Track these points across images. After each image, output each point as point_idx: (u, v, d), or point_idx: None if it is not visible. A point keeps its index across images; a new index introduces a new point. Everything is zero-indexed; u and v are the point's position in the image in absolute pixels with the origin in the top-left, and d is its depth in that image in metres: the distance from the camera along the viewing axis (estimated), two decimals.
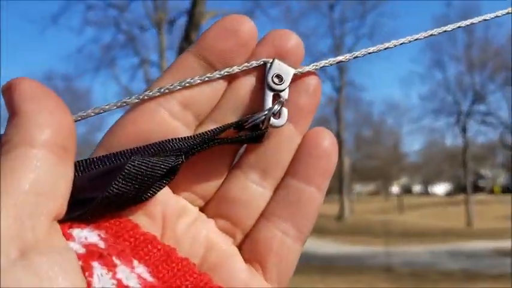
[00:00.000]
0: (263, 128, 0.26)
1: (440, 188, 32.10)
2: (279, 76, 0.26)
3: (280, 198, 0.27)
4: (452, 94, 16.06)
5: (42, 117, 0.20)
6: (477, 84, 15.44)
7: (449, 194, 29.52)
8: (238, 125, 0.26)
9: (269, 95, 0.26)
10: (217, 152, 0.27)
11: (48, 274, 0.17)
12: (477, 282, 5.58)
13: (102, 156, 0.24)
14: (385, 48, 0.29)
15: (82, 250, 0.20)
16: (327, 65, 0.28)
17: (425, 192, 32.45)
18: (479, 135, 17.56)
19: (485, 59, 15.20)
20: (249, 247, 0.27)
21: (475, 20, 0.33)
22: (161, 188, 0.24)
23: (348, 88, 17.05)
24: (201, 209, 0.27)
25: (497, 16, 0.35)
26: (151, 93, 0.25)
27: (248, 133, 0.26)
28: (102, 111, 0.25)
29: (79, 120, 0.24)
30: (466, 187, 14.94)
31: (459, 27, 0.33)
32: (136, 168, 0.23)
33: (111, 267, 0.20)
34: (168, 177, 0.24)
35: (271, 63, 0.26)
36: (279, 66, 0.26)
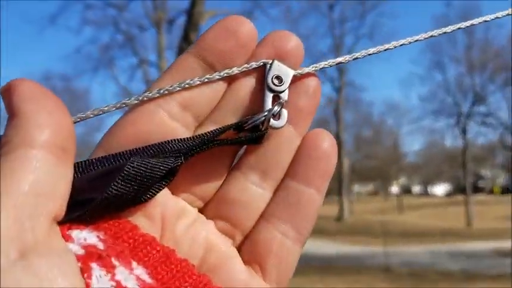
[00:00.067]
0: (263, 129, 0.26)
1: (440, 189, 32.13)
2: (278, 77, 0.26)
3: (279, 200, 0.27)
4: (452, 95, 16.09)
5: (41, 118, 0.20)
6: (477, 86, 15.45)
7: (449, 195, 29.56)
8: (238, 126, 0.26)
9: (269, 96, 0.26)
10: (217, 153, 0.27)
11: (48, 275, 0.17)
12: (476, 283, 5.58)
13: (101, 157, 0.24)
14: (385, 50, 0.29)
15: (81, 251, 0.20)
16: (326, 66, 0.28)
17: (425, 193, 32.48)
18: (479, 136, 17.61)
19: (485, 60, 15.21)
20: (248, 248, 0.27)
21: (475, 21, 0.33)
22: (160, 189, 0.24)
23: (348, 89, 17.08)
24: (201, 210, 0.27)
25: (497, 17, 0.35)
26: (150, 94, 0.25)
27: (248, 134, 0.26)
28: (101, 112, 0.25)
29: (78, 121, 0.24)
30: (465, 188, 14.95)
31: (459, 28, 0.33)
32: (135, 169, 0.23)
33: (110, 268, 0.20)
34: (167, 178, 0.24)
35: (271, 64, 0.26)
36: (279, 68, 0.26)
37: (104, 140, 0.25)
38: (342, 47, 16.12)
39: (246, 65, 0.26)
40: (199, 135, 0.25)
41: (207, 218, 0.27)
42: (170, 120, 0.25)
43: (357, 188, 30.04)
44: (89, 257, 0.20)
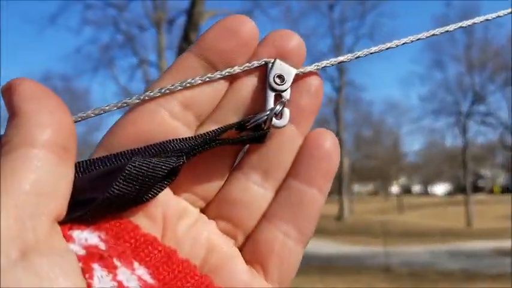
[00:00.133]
0: (265, 128, 0.26)
1: (440, 188, 32.15)
2: (280, 76, 0.26)
3: (281, 200, 0.27)
4: (452, 94, 16.10)
5: (42, 117, 0.20)
6: (477, 85, 15.46)
7: (449, 194, 29.60)
8: (240, 126, 0.26)
9: (271, 96, 0.26)
10: (219, 153, 0.26)
11: (49, 275, 0.17)
12: (476, 282, 5.59)
13: (103, 157, 0.24)
14: (387, 48, 0.29)
15: (82, 252, 0.20)
16: (328, 65, 0.27)
17: (425, 193, 32.50)
18: (479, 136, 17.61)
19: (485, 60, 15.22)
20: (250, 249, 0.27)
21: (477, 19, 0.33)
22: (162, 189, 0.24)
23: (348, 88, 17.08)
24: (202, 211, 0.27)
25: (499, 16, 0.35)
26: (152, 93, 0.25)
27: (250, 133, 0.26)
28: (102, 111, 0.25)
29: (79, 120, 0.24)
30: (465, 187, 14.96)
31: (461, 27, 0.33)
32: (137, 169, 0.23)
33: (111, 269, 0.20)
34: (169, 178, 0.24)
35: (273, 63, 0.26)
36: (281, 67, 0.26)
37: (104, 139, 0.25)
38: (342, 47, 16.12)
39: (247, 64, 0.26)
40: (201, 134, 0.25)
41: (209, 218, 0.27)
42: (171, 120, 0.25)
43: (357, 187, 30.06)
44: (90, 257, 0.20)
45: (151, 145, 0.24)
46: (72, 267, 0.18)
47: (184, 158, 0.24)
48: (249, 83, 0.26)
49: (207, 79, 0.25)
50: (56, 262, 0.18)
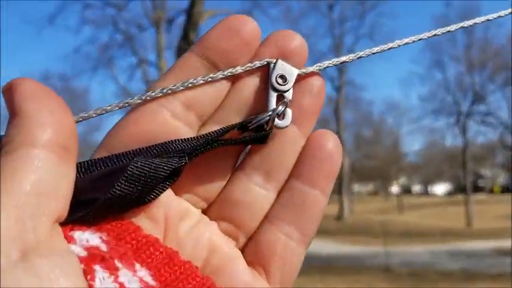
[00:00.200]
0: (267, 128, 0.26)
1: (440, 188, 32.17)
2: (282, 76, 0.26)
3: (284, 201, 0.27)
4: (452, 94, 16.09)
5: (43, 117, 0.20)
6: (477, 85, 15.46)
7: (449, 194, 29.61)
8: (242, 126, 0.26)
9: (273, 96, 0.26)
10: (220, 153, 0.26)
11: (49, 276, 0.17)
12: (477, 282, 5.59)
13: (104, 157, 0.24)
14: (389, 49, 0.29)
15: (84, 253, 0.20)
16: (331, 65, 0.27)
17: (425, 192, 32.52)
18: (479, 136, 17.61)
19: (485, 60, 15.22)
20: (252, 250, 0.27)
21: (478, 19, 0.33)
22: (164, 190, 0.24)
23: (348, 88, 17.08)
24: (204, 211, 0.27)
25: (500, 16, 0.35)
26: (153, 93, 0.25)
27: (252, 134, 0.26)
28: (104, 112, 0.25)
29: (81, 120, 0.24)
30: (465, 187, 14.96)
31: (462, 27, 0.33)
32: (139, 169, 0.23)
33: (113, 270, 0.20)
34: (171, 178, 0.24)
35: (275, 63, 0.26)
36: (283, 67, 0.26)
37: (106, 139, 0.25)
38: (342, 46, 16.12)
39: (249, 64, 0.26)
40: (203, 135, 0.25)
41: (211, 219, 0.27)
42: (173, 120, 0.25)
43: (357, 187, 30.06)
44: (91, 258, 0.20)
45: (153, 145, 0.24)
46: (73, 269, 0.18)
47: (187, 158, 0.24)
48: (251, 83, 0.26)
49: (209, 79, 0.25)
50: (56, 263, 0.18)
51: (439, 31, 0.31)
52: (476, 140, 18.61)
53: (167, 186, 0.24)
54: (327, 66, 0.27)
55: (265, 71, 0.26)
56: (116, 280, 0.20)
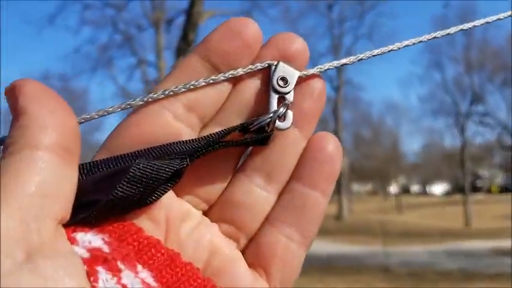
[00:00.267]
0: (268, 130, 0.26)
1: (438, 188, 32.21)
2: (283, 79, 0.26)
3: (284, 203, 0.27)
4: (450, 95, 16.10)
5: (46, 119, 0.20)
6: (475, 85, 15.47)
7: (447, 194, 29.65)
8: (243, 128, 0.26)
9: (274, 98, 0.26)
10: (222, 155, 0.26)
11: (54, 277, 0.17)
12: (475, 282, 5.59)
13: (106, 158, 0.24)
14: (389, 51, 0.29)
15: (86, 254, 0.20)
16: (331, 67, 0.28)
17: (424, 192, 32.55)
18: (478, 136, 17.63)
19: (484, 60, 15.24)
20: (253, 252, 0.27)
21: (477, 22, 0.33)
22: (166, 192, 0.24)
23: (346, 88, 17.07)
24: (205, 213, 0.27)
25: (499, 19, 0.35)
26: (155, 95, 0.25)
27: (253, 136, 0.26)
28: (106, 113, 0.25)
29: (83, 122, 0.24)
30: (464, 187, 14.97)
31: (462, 29, 0.33)
32: (141, 171, 0.23)
33: (115, 272, 0.20)
34: (172, 180, 0.24)
35: (276, 65, 0.26)
36: (284, 69, 0.26)
37: (108, 141, 0.25)
38: (341, 47, 16.11)
39: (250, 66, 0.26)
40: (204, 136, 0.25)
41: (212, 220, 0.27)
42: (175, 122, 0.25)
43: (355, 187, 30.08)
44: (94, 260, 0.20)
45: (154, 147, 0.24)
46: (77, 270, 0.18)
47: (188, 160, 0.24)
48: (253, 85, 0.26)
49: (211, 81, 0.25)
50: (60, 264, 0.18)
51: (439, 33, 0.31)
52: (475, 141, 18.66)
53: (169, 187, 0.24)
54: (327, 69, 0.27)
55: (267, 73, 0.26)
56: (118, 282, 0.20)
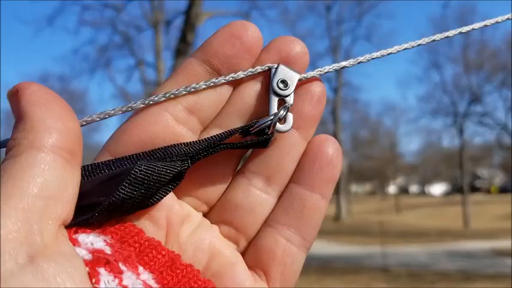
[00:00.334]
0: (269, 133, 0.26)
1: (437, 189, 32.21)
2: (284, 81, 0.26)
3: (284, 205, 0.27)
4: (449, 95, 16.11)
5: (49, 122, 0.20)
6: (474, 85, 15.49)
7: (446, 195, 29.65)
8: (244, 130, 0.26)
9: (274, 100, 0.26)
10: (222, 157, 0.26)
11: (56, 279, 0.17)
12: (474, 282, 5.59)
13: (108, 160, 0.24)
14: (388, 54, 0.29)
15: (88, 256, 0.20)
16: (331, 70, 0.28)
17: (422, 193, 32.56)
18: (476, 136, 17.65)
19: (482, 61, 15.26)
20: (252, 254, 0.27)
21: (476, 25, 0.34)
22: (167, 193, 0.24)
23: (345, 89, 17.07)
24: (205, 215, 0.27)
25: (497, 22, 0.36)
26: (156, 98, 0.25)
27: (254, 138, 0.26)
28: (107, 116, 0.25)
29: (84, 124, 0.24)
30: (462, 187, 14.98)
31: (461, 32, 0.33)
32: (143, 173, 0.23)
33: (117, 273, 0.20)
34: (173, 182, 0.24)
35: (276, 68, 0.26)
36: (284, 72, 0.26)
37: (109, 143, 0.25)
38: (339, 48, 16.12)
39: (251, 69, 0.26)
40: (205, 138, 0.25)
41: (212, 222, 0.27)
42: (176, 124, 0.25)
43: (354, 188, 30.07)
44: (96, 262, 0.20)
45: (156, 149, 0.24)
46: (79, 272, 0.18)
47: (189, 162, 0.24)
48: (253, 88, 0.26)
49: (211, 84, 0.25)
50: (63, 266, 0.18)
51: (437, 37, 0.32)
52: (473, 141, 18.67)
53: (170, 189, 0.24)
54: (327, 72, 0.28)
55: (267, 76, 0.26)
56: (120, 283, 0.20)
